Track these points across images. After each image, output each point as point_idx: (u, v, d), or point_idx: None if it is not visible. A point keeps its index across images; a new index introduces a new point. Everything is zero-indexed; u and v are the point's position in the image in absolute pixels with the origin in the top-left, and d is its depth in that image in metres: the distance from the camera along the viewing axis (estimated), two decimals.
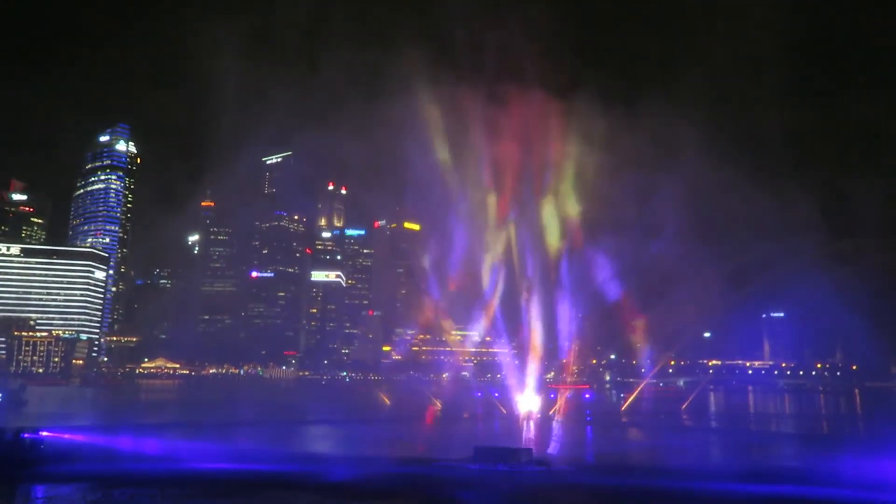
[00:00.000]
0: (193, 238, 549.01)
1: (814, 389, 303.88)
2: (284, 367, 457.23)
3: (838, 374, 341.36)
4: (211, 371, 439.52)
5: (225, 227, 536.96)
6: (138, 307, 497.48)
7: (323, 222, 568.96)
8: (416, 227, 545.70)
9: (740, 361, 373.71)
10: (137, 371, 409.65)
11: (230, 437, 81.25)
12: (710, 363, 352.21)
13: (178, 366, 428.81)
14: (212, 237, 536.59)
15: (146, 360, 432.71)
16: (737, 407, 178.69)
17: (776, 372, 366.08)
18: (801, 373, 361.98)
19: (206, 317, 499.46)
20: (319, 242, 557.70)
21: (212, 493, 45.90)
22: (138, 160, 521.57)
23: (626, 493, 47.27)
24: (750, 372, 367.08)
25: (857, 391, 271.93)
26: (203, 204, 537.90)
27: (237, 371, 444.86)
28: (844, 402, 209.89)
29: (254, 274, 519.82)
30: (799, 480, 48.80)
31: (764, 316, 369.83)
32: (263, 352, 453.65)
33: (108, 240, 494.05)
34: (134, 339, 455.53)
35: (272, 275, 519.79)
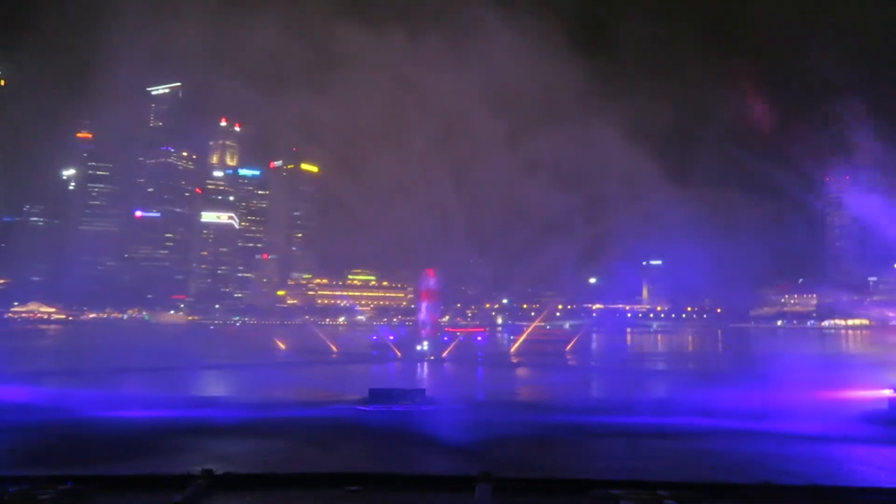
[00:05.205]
0: (69, 173, 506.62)
1: (683, 330, 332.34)
2: (172, 312, 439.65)
3: (705, 316, 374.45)
4: (91, 316, 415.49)
5: (105, 161, 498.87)
6: (6, 247, 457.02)
7: (215, 160, 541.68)
8: (315, 168, 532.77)
9: (621, 305, 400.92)
10: (7, 316, 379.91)
11: (117, 384, 78.51)
12: (594, 307, 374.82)
13: (53, 310, 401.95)
14: (90, 172, 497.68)
15: (16, 304, 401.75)
16: (615, 347, 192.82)
17: (651, 315, 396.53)
18: (674, 315, 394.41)
19: (86, 258, 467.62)
20: (211, 182, 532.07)
21: (100, 443, 44.72)
22: (1, 82, 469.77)
23: (512, 426, 50.63)
24: (629, 315, 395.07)
25: (720, 332, 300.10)
26: (79, 135, 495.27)
27: (121, 315, 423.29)
28: (708, 342, 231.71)
29: (138, 213, 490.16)
30: (656, 411, 54.43)
31: (644, 263, 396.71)
32: (150, 296, 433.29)
33: None
34: (2, 282, 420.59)
35: (159, 214, 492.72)
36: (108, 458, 38.10)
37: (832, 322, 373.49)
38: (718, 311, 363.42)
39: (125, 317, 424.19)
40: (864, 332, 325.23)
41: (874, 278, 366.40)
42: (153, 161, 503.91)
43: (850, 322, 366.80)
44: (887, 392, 51.86)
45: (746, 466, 37.34)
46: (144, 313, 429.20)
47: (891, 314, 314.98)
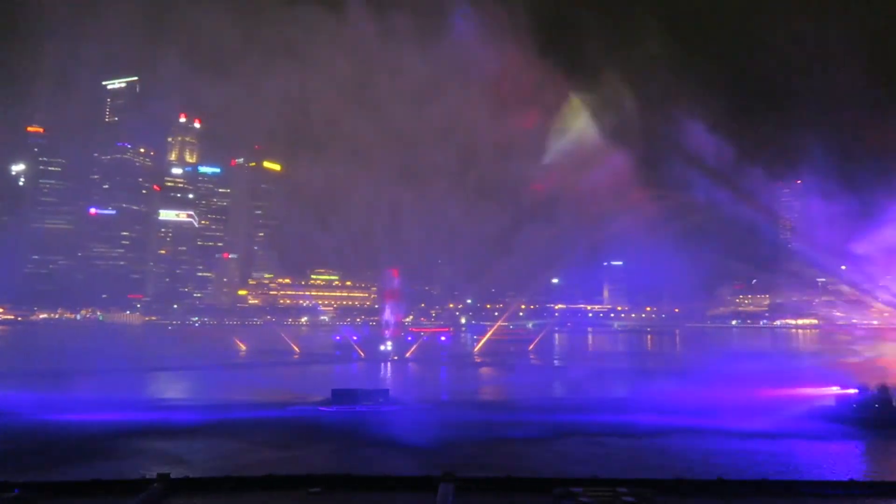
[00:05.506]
0: (19, 168, 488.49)
1: (642, 330, 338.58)
2: (128, 312, 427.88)
3: (664, 316, 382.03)
4: (42, 316, 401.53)
5: (58, 157, 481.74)
6: None
7: (173, 157, 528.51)
8: (278, 166, 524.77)
9: (583, 305, 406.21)
10: None
11: (69, 386, 76.22)
12: (556, 307, 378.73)
13: (0, 310, 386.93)
14: (41, 168, 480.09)
15: None
16: (577, 347, 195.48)
17: (612, 315, 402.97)
18: (634, 315, 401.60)
19: (36, 257, 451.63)
20: (169, 179, 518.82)
21: (52, 448, 43.40)
22: None
23: (475, 426, 50.95)
24: (590, 315, 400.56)
25: (677, 331, 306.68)
26: (29, 129, 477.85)
27: (73, 316, 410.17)
28: (666, 341, 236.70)
29: (93, 210, 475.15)
30: (616, 410, 55.55)
31: (605, 264, 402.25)
32: (105, 295, 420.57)
33: None
34: None
35: (114, 212, 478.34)
36: (60, 463, 37.03)
37: (783, 322, 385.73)
38: (676, 311, 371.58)
39: (78, 317, 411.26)
40: (813, 331, 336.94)
41: (823, 279, 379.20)
42: (108, 157, 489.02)
43: (799, 321, 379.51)
44: (833, 389, 54.02)
45: (700, 463, 38.44)
46: (99, 313, 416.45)
47: (838, 314, 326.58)
